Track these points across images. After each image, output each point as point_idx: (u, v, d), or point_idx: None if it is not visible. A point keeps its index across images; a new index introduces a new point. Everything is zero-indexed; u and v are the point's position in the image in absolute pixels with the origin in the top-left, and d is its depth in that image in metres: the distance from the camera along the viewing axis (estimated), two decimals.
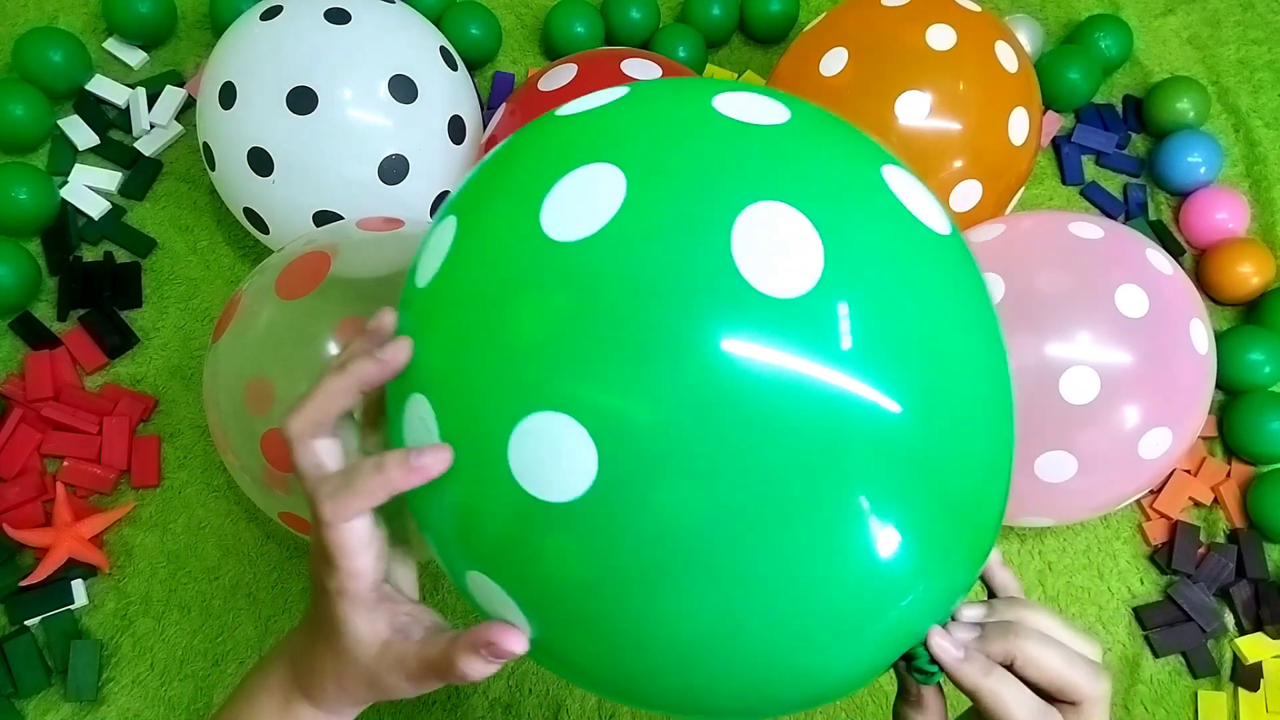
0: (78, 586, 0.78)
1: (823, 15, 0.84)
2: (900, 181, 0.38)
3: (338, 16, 0.76)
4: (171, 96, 0.95)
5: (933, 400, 0.34)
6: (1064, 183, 1.00)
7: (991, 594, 0.43)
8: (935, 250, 0.37)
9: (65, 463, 0.81)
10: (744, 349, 0.32)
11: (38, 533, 0.78)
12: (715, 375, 0.32)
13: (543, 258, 0.35)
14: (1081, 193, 0.99)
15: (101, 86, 0.95)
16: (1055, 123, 1.01)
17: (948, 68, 0.75)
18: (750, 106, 0.38)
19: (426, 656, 0.39)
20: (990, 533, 0.40)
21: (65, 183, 0.91)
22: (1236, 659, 0.80)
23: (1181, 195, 0.98)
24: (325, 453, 0.40)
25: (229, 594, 0.80)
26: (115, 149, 0.94)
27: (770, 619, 0.35)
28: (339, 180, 0.76)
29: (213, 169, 0.79)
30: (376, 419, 0.43)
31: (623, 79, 0.74)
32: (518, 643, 0.38)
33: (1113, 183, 1.00)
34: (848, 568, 0.35)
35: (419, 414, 0.37)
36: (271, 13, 0.76)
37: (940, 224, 0.38)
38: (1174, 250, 0.96)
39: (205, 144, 0.79)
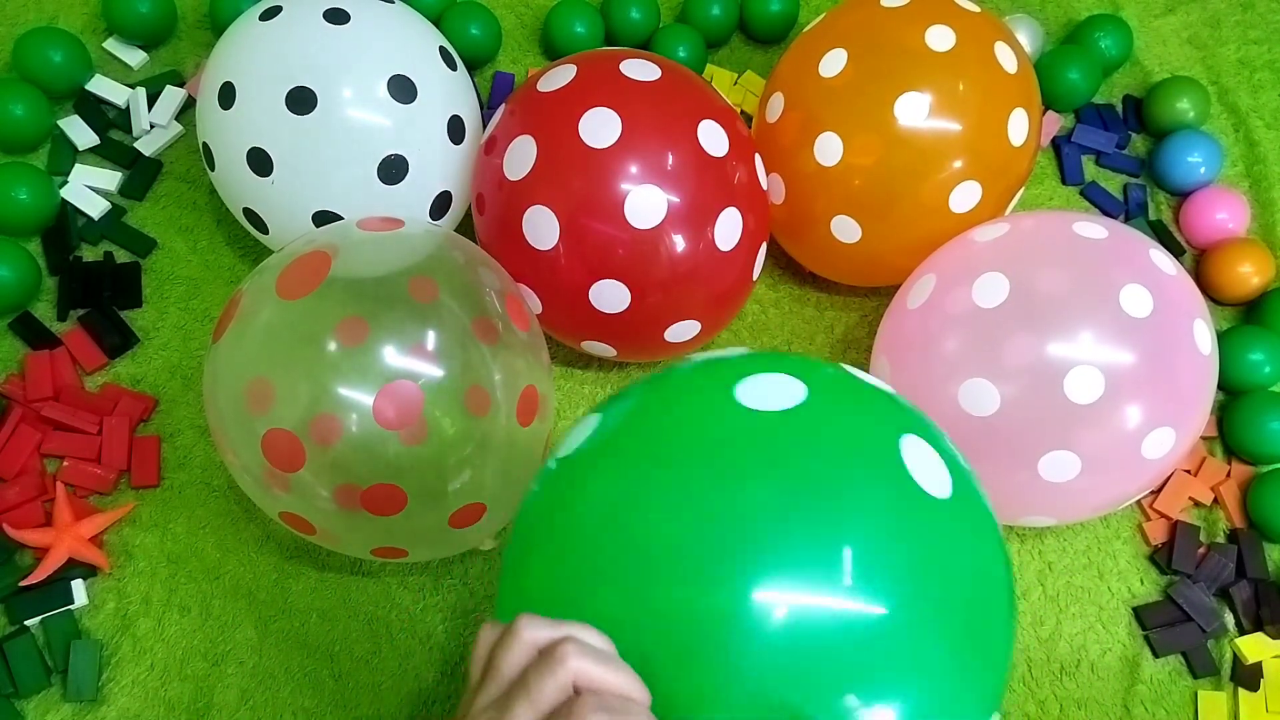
0: (78, 586, 0.78)
1: (823, 15, 0.84)
2: (914, 451, 0.46)
3: (337, 16, 0.76)
4: (171, 96, 0.95)
5: (914, 605, 0.42)
6: (1064, 183, 1.00)
7: None
8: (931, 513, 0.45)
9: (65, 463, 0.81)
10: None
11: (38, 533, 0.78)
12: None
13: None
14: (1081, 193, 0.99)
15: (101, 86, 0.95)
16: (1055, 123, 1.00)
17: (947, 68, 0.75)
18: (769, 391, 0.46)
19: None
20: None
21: (65, 183, 0.91)
22: (1236, 659, 0.80)
23: (1181, 195, 0.98)
24: None
25: (229, 594, 0.80)
26: (115, 149, 0.94)
27: None
28: (338, 180, 0.76)
29: (212, 169, 0.79)
30: None
31: (622, 79, 0.74)
32: None
33: (1113, 183, 1.00)
34: None
35: None
36: (271, 13, 0.76)
37: (942, 489, 0.46)
38: (1174, 250, 0.96)
39: (205, 144, 0.79)
